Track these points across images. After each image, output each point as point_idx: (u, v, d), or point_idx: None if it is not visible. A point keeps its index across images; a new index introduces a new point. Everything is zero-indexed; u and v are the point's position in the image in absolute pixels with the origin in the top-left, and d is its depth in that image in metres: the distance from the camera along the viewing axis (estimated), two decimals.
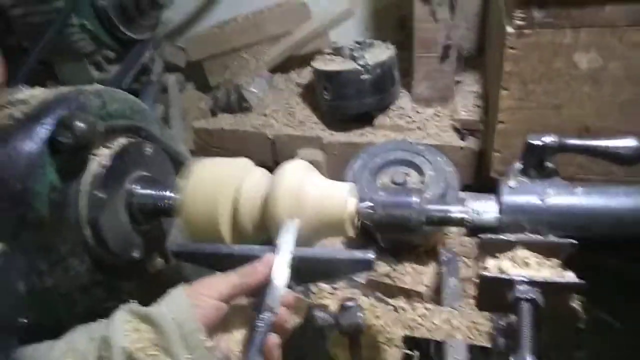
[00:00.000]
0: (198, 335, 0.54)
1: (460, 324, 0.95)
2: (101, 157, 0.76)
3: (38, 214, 0.68)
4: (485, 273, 0.56)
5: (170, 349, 0.54)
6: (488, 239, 0.59)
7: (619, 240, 0.57)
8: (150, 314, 0.55)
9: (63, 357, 0.54)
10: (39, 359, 0.55)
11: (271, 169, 0.79)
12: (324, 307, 0.73)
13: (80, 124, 0.68)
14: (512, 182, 0.61)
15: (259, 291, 0.60)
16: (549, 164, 0.62)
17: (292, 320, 0.61)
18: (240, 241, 0.73)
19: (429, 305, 1.03)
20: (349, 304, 0.72)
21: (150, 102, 1.54)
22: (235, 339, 0.60)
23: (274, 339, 0.57)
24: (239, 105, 1.75)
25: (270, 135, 1.58)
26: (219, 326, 0.59)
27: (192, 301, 0.57)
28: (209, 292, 0.58)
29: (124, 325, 0.55)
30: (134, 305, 0.58)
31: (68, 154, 0.70)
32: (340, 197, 0.69)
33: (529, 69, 1.01)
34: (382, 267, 1.14)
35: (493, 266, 0.57)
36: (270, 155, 1.60)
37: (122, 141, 0.80)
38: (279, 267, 0.61)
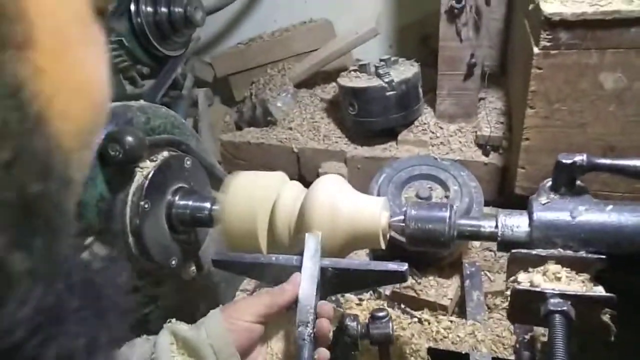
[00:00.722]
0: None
1: (485, 337, 0.97)
2: (145, 170, 0.80)
3: (88, 222, 0.73)
4: (518, 286, 0.58)
5: None
6: (520, 253, 0.61)
7: None
8: (191, 339, 0.60)
9: None
10: None
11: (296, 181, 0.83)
12: (355, 317, 0.75)
13: (130, 139, 0.73)
14: (543, 199, 0.63)
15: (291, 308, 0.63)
16: (579, 182, 0.64)
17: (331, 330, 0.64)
18: (276, 251, 0.76)
19: (453, 318, 1.04)
20: (380, 314, 0.74)
21: (182, 115, 1.60)
22: (272, 352, 0.64)
23: (324, 354, 0.60)
24: (265, 119, 1.79)
25: (295, 149, 1.62)
26: (254, 345, 0.63)
27: (227, 326, 0.61)
28: (242, 315, 0.62)
29: (168, 352, 0.60)
30: (175, 326, 0.63)
31: (117, 166, 0.74)
32: (374, 211, 0.72)
33: (555, 89, 1.03)
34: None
35: (525, 280, 0.60)
36: (295, 168, 1.64)
37: (164, 154, 0.84)
38: (304, 281, 0.65)
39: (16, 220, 0.20)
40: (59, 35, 0.22)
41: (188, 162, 0.88)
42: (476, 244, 1.32)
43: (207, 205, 0.83)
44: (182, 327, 0.63)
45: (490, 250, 1.29)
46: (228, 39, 2.19)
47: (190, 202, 0.84)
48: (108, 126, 0.75)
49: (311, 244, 0.68)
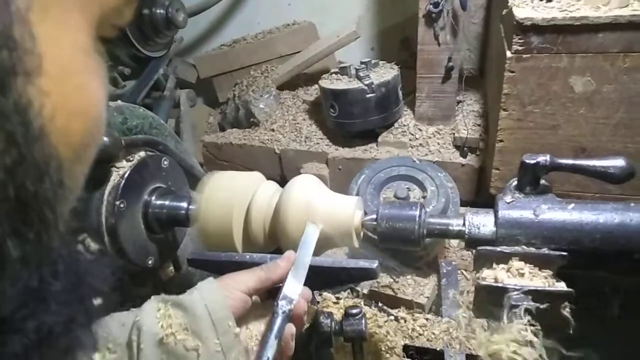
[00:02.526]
0: (228, 322, 0.58)
1: (459, 334, 0.99)
2: (121, 169, 0.81)
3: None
4: (482, 282, 0.60)
5: (200, 333, 0.57)
6: (485, 250, 0.63)
7: (608, 253, 0.61)
8: (183, 300, 0.60)
9: None
10: None
11: (278, 182, 0.84)
12: (329, 314, 0.76)
13: (105, 139, 0.73)
14: (508, 198, 0.65)
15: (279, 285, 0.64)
16: (543, 181, 0.66)
17: (306, 315, 0.65)
18: (251, 250, 0.78)
19: (429, 316, 1.06)
20: (353, 311, 0.76)
21: (163, 116, 1.60)
22: (250, 334, 0.64)
23: (290, 328, 0.61)
24: (247, 120, 1.80)
25: (277, 150, 1.63)
26: (241, 318, 0.63)
27: (223, 291, 0.61)
28: (238, 285, 0.63)
29: (154, 312, 0.59)
30: (165, 295, 0.63)
31: (93, 165, 0.75)
32: (348, 210, 0.73)
33: (527, 91, 1.06)
34: (384, 279, 1.17)
35: (489, 276, 0.61)
36: (277, 169, 1.65)
37: (141, 154, 0.85)
38: (299, 262, 0.66)
39: (13, 213, 0.24)
40: (63, 64, 0.26)
41: (165, 163, 0.89)
42: (454, 243, 1.35)
43: (184, 205, 0.84)
44: (173, 295, 0.63)
45: (467, 250, 1.31)
46: (211, 41, 2.19)
47: (167, 202, 0.85)
48: None
49: (311, 231, 0.70)
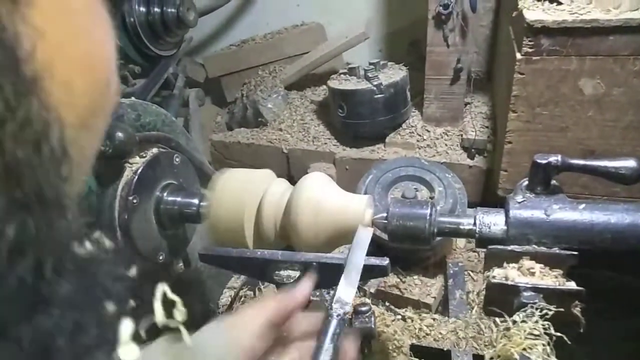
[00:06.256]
0: None
1: (466, 334, 0.99)
2: (135, 165, 0.82)
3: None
4: (493, 280, 0.61)
5: None
6: (495, 249, 0.64)
7: (618, 253, 0.61)
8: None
9: None
10: None
11: None
12: None
13: (119, 134, 0.74)
14: (519, 197, 0.66)
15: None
16: (554, 182, 0.67)
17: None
18: (262, 247, 0.78)
19: (435, 316, 1.07)
20: (363, 308, 0.76)
21: (173, 115, 1.61)
22: None
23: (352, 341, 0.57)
24: (255, 120, 1.81)
25: (284, 150, 1.64)
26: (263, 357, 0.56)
27: (231, 340, 0.54)
28: (242, 333, 0.55)
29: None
30: (174, 340, 0.53)
31: (106, 161, 0.76)
32: (358, 208, 0.74)
33: (537, 93, 1.06)
34: (391, 279, 1.18)
35: (500, 274, 0.62)
36: (285, 168, 1.66)
37: (153, 151, 0.86)
38: (352, 264, 0.64)
39: (4, 186, 0.20)
40: None
41: (177, 159, 0.90)
42: (461, 244, 1.35)
43: (196, 201, 0.85)
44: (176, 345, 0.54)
45: (474, 251, 1.32)
46: (220, 41, 2.21)
47: (178, 199, 0.85)
48: None
49: (363, 234, 0.69)
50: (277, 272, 0.72)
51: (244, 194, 0.79)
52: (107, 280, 0.28)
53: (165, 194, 0.85)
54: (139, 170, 0.80)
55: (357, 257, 0.65)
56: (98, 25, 0.24)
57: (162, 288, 0.48)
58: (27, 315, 0.22)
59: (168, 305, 0.47)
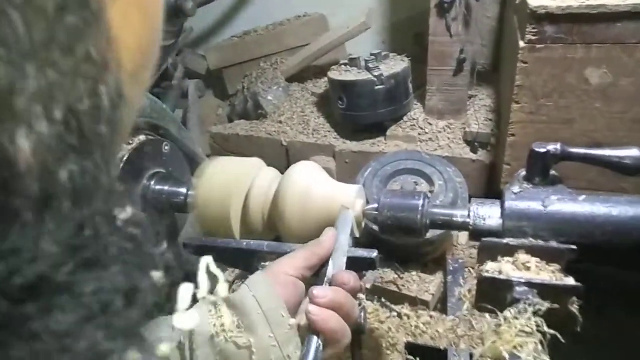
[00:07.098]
0: (280, 312, 0.54)
1: (465, 332, 0.96)
2: (120, 153, 0.80)
3: None
4: (485, 274, 0.57)
5: (252, 328, 0.53)
6: (489, 242, 0.61)
7: (620, 247, 0.58)
8: (233, 297, 0.55)
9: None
10: None
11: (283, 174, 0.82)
12: None
13: None
14: (515, 188, 0.62)
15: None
16: (553, 172, 0.63)
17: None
18: (249, 237, 0.76)
19: (433, 314, 1.03)
20: None
21: (171, 106, 1.59)
22: None
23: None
24: (256, 112, 1.78)
25: (284, 142, 1.61)
26: (300, 300, 0.59)
27: (271, 280, 0.57)
28: (284, 268, 0.59)
29: (205, 313, 0.54)
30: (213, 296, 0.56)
31: None
32: (348, 198, 0.71)
33: (541, 83, 1.02)
34: (389, 274, 1.15)
35: (493, 268, 0.59)
36: (284, 161, 1.63)
37: (140, 138, 0.83)
38: (339, 247, 0.63)
39: (65, 129, 0.18)
40: None
41: (167, 148, 0.88)
42: (462, 241, 1.32)
43: (183, 190, 0.83)
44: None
45: (476, 248, 1.28)
46: (222, 32, 2.18)
47: (166, 187, 0.83)
48: None
49: (345, 215, 0.67)
50: (262, 263, 0.69)
51: (231, 182, 0.76)
52: (153, 249, 0.26)
53: (152, 183, 0.83)
54: (125, 158, 0.78)
55: (342, 240, 0.64)
56: None
57: (206, 261, 0.49)
58: (88, 269, 0.20)
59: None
